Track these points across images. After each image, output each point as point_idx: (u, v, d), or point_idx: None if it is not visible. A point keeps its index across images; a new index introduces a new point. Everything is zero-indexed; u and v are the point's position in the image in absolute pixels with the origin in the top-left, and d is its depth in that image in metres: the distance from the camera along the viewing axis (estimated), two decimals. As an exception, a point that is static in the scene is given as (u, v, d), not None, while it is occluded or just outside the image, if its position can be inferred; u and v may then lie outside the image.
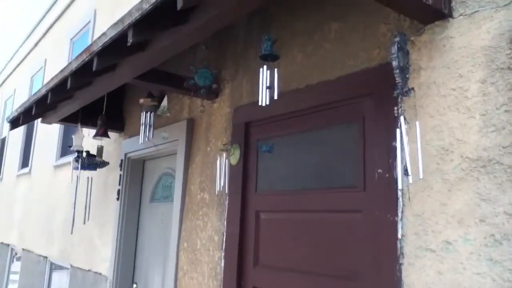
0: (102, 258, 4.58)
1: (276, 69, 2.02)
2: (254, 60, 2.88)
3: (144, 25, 2.18)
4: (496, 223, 1.56)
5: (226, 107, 3.10)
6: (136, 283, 4.23)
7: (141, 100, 3.34)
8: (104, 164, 4.42)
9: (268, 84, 1.98)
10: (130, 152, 4.34)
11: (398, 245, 1.84)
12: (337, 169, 2.28)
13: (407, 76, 1.75)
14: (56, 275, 6.15)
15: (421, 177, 1.65)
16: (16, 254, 8.24)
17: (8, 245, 8.54)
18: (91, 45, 2.64)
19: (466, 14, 1.76)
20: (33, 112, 3.89)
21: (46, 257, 6.35)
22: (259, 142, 2.77)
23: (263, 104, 1.97)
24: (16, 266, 7.94)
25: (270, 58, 2.04)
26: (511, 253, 1.51)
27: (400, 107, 1.82)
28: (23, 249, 7.49)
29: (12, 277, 8.20)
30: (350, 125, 2.23)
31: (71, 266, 5.34)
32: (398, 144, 1.65)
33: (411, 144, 1.67)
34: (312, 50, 2.46)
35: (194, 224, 3.23)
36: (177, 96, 3.64)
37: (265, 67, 2.01)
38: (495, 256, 1.54)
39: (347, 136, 2.25)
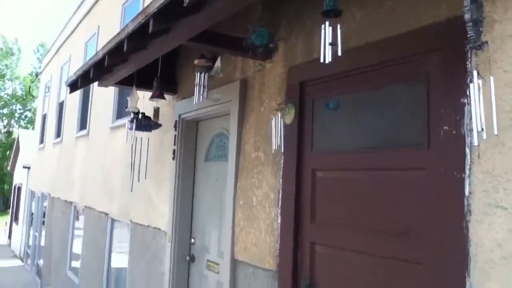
0: (161, 214, 4.79)
1: (338, 25, 1.97)
2: (309, 20, 2.83)
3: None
4: None
5: (280, 67, 3.08)
6: (194, 238, 4.42)
7: (196, 61, 3.37)
8: (158, 125, 4.54)
9: (330, 41, 1.94)
10: (183, 113, 4.43)
11: (465, 202, 1.81)
12: (399, 128, 2.25)
13: (480, 29, 1.67)
14: (117, 231, 6.51)
15: (495, 133, 1.60)
16: (78, 211, 8.75)
17: (71, 202, 9.06)
18: (147, 6, 2.67)
19: (547, -41, 1.64)
20: (90, 76, 4.02)
21: (107, 214, 6.71)
22: (321, 101, 2.74)
23: (326, 62, 1.93)
24: (80, 222, 8.45)
25: (332, 14, 1.99)
26: None
27: (471, 62, 1.75)
28: (85, 207, 7.93)
29: (76, 232, 8.75)
30: (414, 82, 2.17)
31: (131, 222, 5.63)
32: (471, 100, 1.59)
33: (484, 99, 1.61)
34: (372, 8, 2.38)
35: (249, 182, 3.30)
36: (229, 57, 3.64)
37: (327, 23, 1.96)
38: None
39: (411, 93, 2.19)
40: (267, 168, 3.12)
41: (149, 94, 4.33)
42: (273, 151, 2.99)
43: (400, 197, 2.18)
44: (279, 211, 2.94)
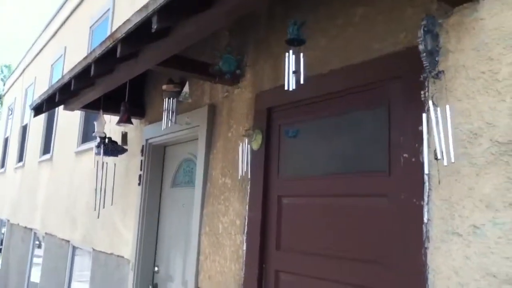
0: (124, 242, 4.67)
1: (302, 53, 2.01)
2: (276, 46, 2.88)
3: (168, 11, 2.19)
4: (526, 207, 1.55)
5: (248, 93, 3.10)
6: (158, 266, 4.31)
7: (164, 86, 3.36)
8: (124, 150, 4.47)
9: (294, 69, 1.98)
10: (151, 138, 4.39)
11: (424, 229, 1.84)
12: (362, 154, 2.28)
13: (436, 59, 1.73)
14: (78, 259, 6.29)
15: (452, 161, 1.64)
16: (39, 238, 8.43)
17: (32, 229, 8.74)
18: (115, 31, 2.66)
19: (497, -4, 1.73)
20: (56, 99, 3.94)
21: (68, 241, 6.49)
22: (284, 128, 2.77)
23: (290, 89, 1.96)
24: (39, 250, 8.13)
25: (296, 43, 2.04)
26: (541, 237, 1.50)
27: (428, 90, 1.81)
28: (45, 233, 7.66)
29: (35, 260, 8.40)
30: (376, 109, 2.22)
31: (93, 249, 5.45)
32: (425, 128, 1.64)
33: (440, 128, 1.66)
34: (336, 35, 2.45)
35: (215, 208, 3.27)
36: (197, 82, 3.65)
37: (290, 51, 2.00)
38: (524, 240, 1.54)
39: (373, 120, 2.24)
40: (234, 194, 3.10)
41: (116, 118, 4.27)
42: (239, 177, 2.97)
43: (363, 223, 2.19)
44: (244, 238, 2.91)
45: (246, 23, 3.19)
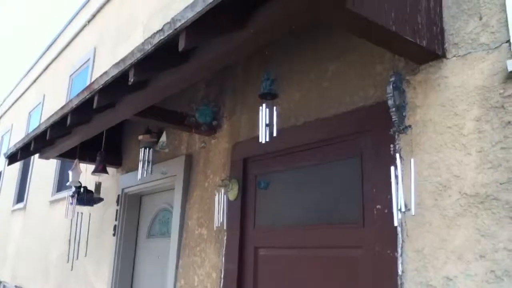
0: (97, 296, 4.50)
1: (275, 107, 2.06)
2: (252, 98, 2.94)
3: (145, 65, 2.24)
4: (496, 259, 1.57)
5: (225, 143, 3.13)
6: (131, 322, 4.15)
7: (140, 137, 3.37)
8: (100, 200, 4.40)
9: (267, 122, 2.02)
10: (127, 187, 4.33)
11: (399, 282, 1.84)
12: (336, 205, 2.30)
13: (404, 114, 1.80)
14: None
15: (413, 213, 1.67)
16: (7, 291, 8.05)
17: (0, 282, 8.35)
18: (92, 83, 2.69)
19: (459, 55, 1.83)
20: (31, 148, 3.90)
21: (39, 295, 6.21)
22: (258, 179, 2.78)
23: (263, 141, 2.00)
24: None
25: (269, 96, 2.10)
26: (512, 290, 1.51)
27: (396, 144, 1.86)
28: (15, 286, 7.32)
29: (2, 315, 7.98)
30: (349, 161, 2.27)
31: (65, 304, 5.23)
32: (393, 181, 1.68)
33: (406, 180, 1.70)
34: (310, 88, 2.52)
35: (191, 260, 3.20)
36: (174, 132, 3.67)
37: (264, 105, 2.05)
38: (496, 293, 1.55)
39: (346, 172, 2.28)
40: (210, 245, 3.05)
41: (92, 166, 4.22)
42: (215, 228, 2.94)
43: (339, 275, 2.17)
44: (220, 291, 2.85)
45: (223, 75, 3.27)
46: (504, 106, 1.65)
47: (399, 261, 1.86)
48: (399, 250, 1.87)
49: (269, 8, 1.72)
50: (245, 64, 3.10)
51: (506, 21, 1.70)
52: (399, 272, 1.84)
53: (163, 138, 3.43)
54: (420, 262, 1.79)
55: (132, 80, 2.29)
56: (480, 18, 1.79)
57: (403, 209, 1.63)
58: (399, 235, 1.88)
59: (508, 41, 1.68)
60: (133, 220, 4.40)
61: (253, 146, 2.84)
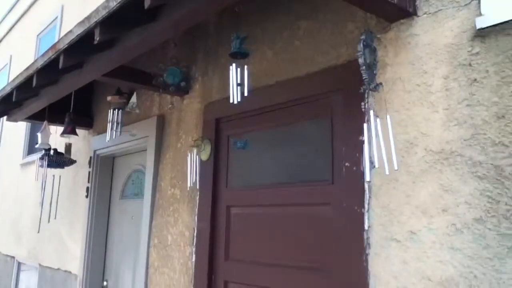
0: (72, 256, 4.51)
1: (246, 66, 2.04)
2: (224, 57, 2.89)
3: (111, 23, 2.16)
4: (457, 213, 1.63)
5: (197, 103, 3.10)
6: (106, 280, 4.19)
7: (109, 98, 3.30)
8: (71, 162, 4.34)
9: (238, 81, 2.00)
10: (99, 149, 4.28)
11: (365, 236, 1.89)
12: (307, 164, 2.33)
13: (374, 72, 1.80)
14: (24, 275, 6.01)
15: (396, 168, 1.71)
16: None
17: (-28, 246, 8.27)
18: (57, 42, 2.60)
19: (430, 13, 1.83)
20: (-2, 109, 3.79)
21: (13, 257, 6.19)
22: (233, 139, 2.78)
23: (235, 101, 1.98)
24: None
25: (239, 56, 2.06)
26: (470, 241, 1.58)
27: (367, 102, 1.87)
28: (-12, 250, 7.27)
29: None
30: (320, 120, 2.28)
31: (40, 265, 5.23)
32: (365, 138, 1.70)
33: (380, 137, 1.72)
34: (282, 47, 2.49)
35: (165, 220, 3.22)
36: (146, 92, 3.61)
37: (234, 64, 2.02)
38: (456, 244, 1.61)
39: (317, 131, 2.29)
40: (183, 205, 3.07)
41: (62, 129, 4.14)
42: (188, 188, 2.96)
43: (308, 232, 2.23)
44: (193, 249, 2.89)
45: (195, 34, 3.20)
46: (471, 64, 1.66)
47: (366, 217, 1.91)
48: (366, 206, 1.91)
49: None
50: (217, 23, 3.03)
51: (476, -22, 1.69)
52: (366, 227, 1.90)
53: (133, 99, 3.37)
54: (386, 217, 1.84)
55: (98, 39, 2.21)
56: (451, -25, 1.77)
57: (372, 166, 1.66)
58: (366, 192, 1.92)
59: (478, -2, 1.68)
60: (106, 182, 4.37)
61: (225, 106, 2.82)
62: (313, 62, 2.28)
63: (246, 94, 2.00)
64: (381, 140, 1.72)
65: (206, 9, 1.99)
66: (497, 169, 1.54)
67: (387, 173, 1.73)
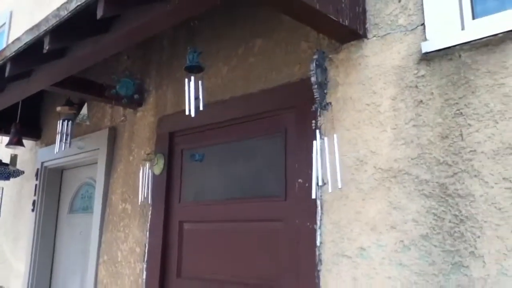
0: (15, 274, 4.29)
1: (200, 81, 2.03)
2: (179, 71, 2.87)
3: (61, 32, 2.10)
4: (405, 229, 1.68)
5: (150, 116, 3.05)
6: (52, 300, 4.01)
7: (58, 108, 3.19)
8: (18, 173, 4.15)
9: (194, 95, 1.99)
10: (47, 161, 4.12)
11: (317, 252, 1.91)
12: (261, 180, 2.33)
13: (325, 91, 1.84)
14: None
15: (339, 186, 1.74)
16: None
17: None
18: (3, 49, 2.49)
19: (379, 36, 1.89)
20: None
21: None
22: (189, 152, 2.75)
23: (192, 114, 1.96)
24: None
25: (195, 70, 2.05)
26: (417, 258, 1.63)
27: (318, 120, 1.91)
28: None
29: None
30: (274, 136, 2.30)
31: (-21, 284, 4.93)
32: (314, 156, 1.73)
33: (329, 155, 1.75)
34: (237, 64, 2.51)
35: (115, 235, 3.13)
36: (98, 104, 3.52)
37: (192, 78, 2.01)
38: (404, 261, 1.66)
39: (271, 147, 2.31)
40: (134, 221, 3.00)
41: (8, 139, 3.96)
42: (140, 203, 2.89)
43: (261, 248, 2.22)
44: (144, 266, 2.82)
45: (149, 48, 3.16)
46: (417, 86, 1.74)
47: (318, 233, 1.93)
48: (318, 222, 1.94)
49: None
50: (172, 37, 3.01)
51: (422, 4, 1.77)
52: (317, 243, 1.92)
53: (84, 110, 3.28)
54: (337, 234, 1.87)
55: (47, 48, 2.14)
56: (399, 1, 1.85)
57: (320, 183, 1.69)
58: (318, 208, 1.95)
59: (423, 24, 1.76)
60: (54, 195, 4.20)
61: (179, 120, 2.80)
62: (267, 79, 2.31)
63: (201, 108, 1.99)
64: (326, 158, 1.76)
65: (161, 23, 1.97)
66: (442, 187, 1.60)
67: (329, 191, 1.77)
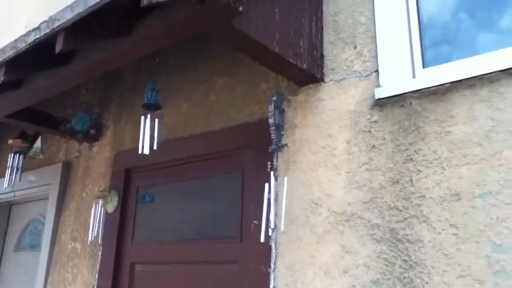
0: (-51, 317, 3.97)
1: (157, 120, 2.01)
2: (138, 106, 2.83)
3: (18, 64, 2.07)
4: (357, 274, 1.67)
5: (107, 152, 2.98)
6: None
7: (10, 141, 3.09)
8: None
9: (150, 133, 1.96)
10: (-6, 195, 3.92)
11: (270, 297, 1.87)
12: (217, 220, 2.29)
13: (281, 133, 1.85)
14: None
15: (282, 230, 1.73)
16: None
17: None
18: (-46, 77, 2.40)
19: (335, 80, 1.94)
20: None
21: None
22: (141, 192, 2.68)
23: (145, 152, 1.93)
24: None
25: (152, 108, 2.04)
26: (369, 303, 1.61)
27: (273, 162, 1.91)
28: None
29: None
30: (231, 176, 2.28)
31: None
32: (265, 198, 1.72)
33: (279, 198, 1.75)
34: (198, 100, 2.51)
35: (62, 276, 2.97)
36: (53, 137, 3.41)
37: (148, 115, 1.99)
38: (355, 306, 1.64)
39: (228, 187, 2.28)
40: (84, 261, 2.86)
41: (-47, 171, 3.76)
42: (89, 242, 2.77)
43: (215, 291, 2.16)
44: (92, 309, 2.67)
45: (110, 80, 3.13)
46: (370, 131, 1.77)
47: (272, 277, 1.89)
48: (272, 265, 1.90)
49: (155, 18, 1.68)
50: (134, 71, 3.00)
51: (376, 52, 1.84)
52: (271, 287, 1.88)
53: (38, 143, 3.17)
54: (291, 277, 1.84)
55: (2, 79, 2.10)
56: (355, 47, 1.92)
57: (271, 226, 1.67)
58: (273, 251, 1.92)
59: (377, 70, 1.82)
60: (0, 231, 3.98)
61: (136, 156, 2.69)
62: (227, 117, 2.31)
63: (155, 147, 1.96)
64: (273, 201, 1.77)
65: (123, 57, 1.96)
66: (392, 232, 1.62)
67: (269, 234, 1.76)
